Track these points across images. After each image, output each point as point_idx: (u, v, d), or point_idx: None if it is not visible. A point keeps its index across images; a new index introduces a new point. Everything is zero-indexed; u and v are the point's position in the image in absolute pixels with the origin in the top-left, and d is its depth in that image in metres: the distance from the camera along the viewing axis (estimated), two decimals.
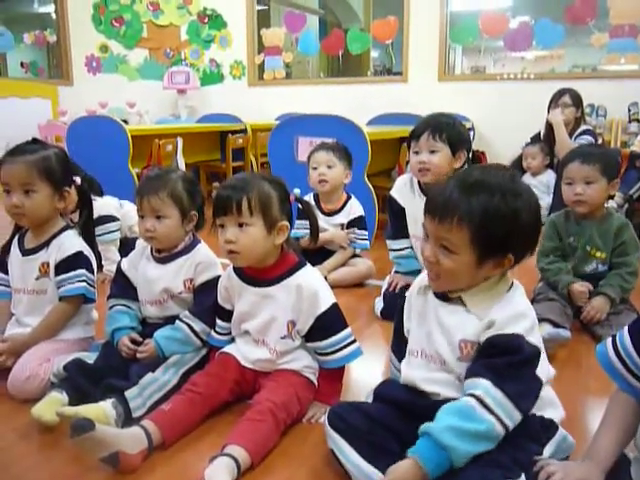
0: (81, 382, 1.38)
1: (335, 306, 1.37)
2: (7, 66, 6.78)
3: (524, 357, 1.01)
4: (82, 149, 3.63)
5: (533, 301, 1.94)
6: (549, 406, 1.10)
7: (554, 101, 3.82)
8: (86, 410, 1.22)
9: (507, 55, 5.46)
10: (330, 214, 2.52)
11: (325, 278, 2.30)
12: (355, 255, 2.51)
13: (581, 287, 1.89)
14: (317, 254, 2.48)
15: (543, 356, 1.08)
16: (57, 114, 5.58)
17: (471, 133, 5.22)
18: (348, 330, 1.38)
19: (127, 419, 1.29)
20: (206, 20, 6.43)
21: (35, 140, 1.63)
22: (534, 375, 1.03)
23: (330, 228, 2.48)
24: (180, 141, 3.92)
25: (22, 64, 6.25)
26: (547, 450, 1.03)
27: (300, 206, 1.57)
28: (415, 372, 1.13)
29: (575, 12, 4.96)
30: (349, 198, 2.55)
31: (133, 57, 6.32)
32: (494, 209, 1.01)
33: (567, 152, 2.13)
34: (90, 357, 1.48)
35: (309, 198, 2.59)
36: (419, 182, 2.03)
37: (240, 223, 1.30)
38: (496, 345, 1.02)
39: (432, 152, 1.93)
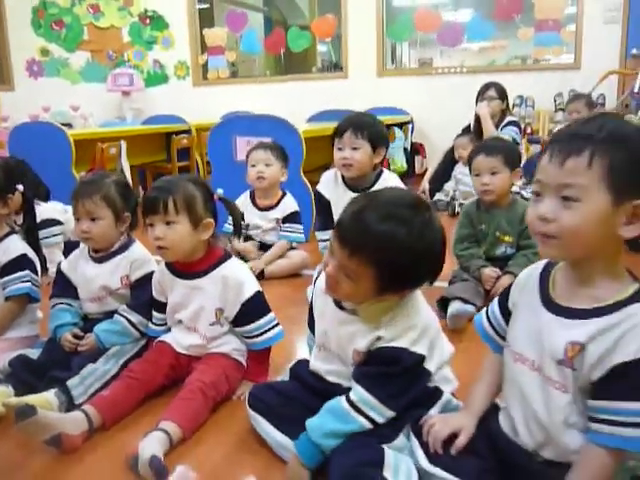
0: (25, 376, 1.49)
1: (259, 293, 1.52)
2: None
3: (401, 367, 1.11)
4: (25, 155, 3.63)
5: (450, 283, 2.13)
6: (442, 382, 1.23)
7: (481, 94, 4.06)
8: (30, 399, 1.33)
9: (452, 48, 5.65)
10: (265, 209, 2.66)
11: (263, 270, 2.48)
12: (292, 247, 2.66)
13: (491, 272, 2.08)
14: (259, 248, 2.64)
15: (441, 341, 1.22)
16: None
17: (410, 126, 5.44)
18: (271, 315, 1.53)
19: (70, 407, 1.40)
20: (148, 21, 6.46)
21: None
22: (410, 380, 1.14)
23: (266, 223, 2.63)
24: (124, 144, 3.98)
25: None
26: (433, 412, 1.18)
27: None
28: (319, 364, 1.28)
29: (503, 8, 5.23)
30: (284, 195, 2.70)
31: (75, 60, 6.30)
32: (400, 253, 1.04)
33: (474, 146, 2.33)
34: (34, 353, 1.59)
35: (246, 195, 2.73)
36: (343, 176, 2.19)
37: (167, 221, 1.43)
38: (378, 356, 1.13)
39: (354, 149, 2.09)
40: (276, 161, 2.61)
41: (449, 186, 4.13)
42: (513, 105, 4.94)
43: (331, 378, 1.25)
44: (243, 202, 2.70)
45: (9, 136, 3.94)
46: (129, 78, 6.18)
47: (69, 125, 5.53)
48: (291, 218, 2.62)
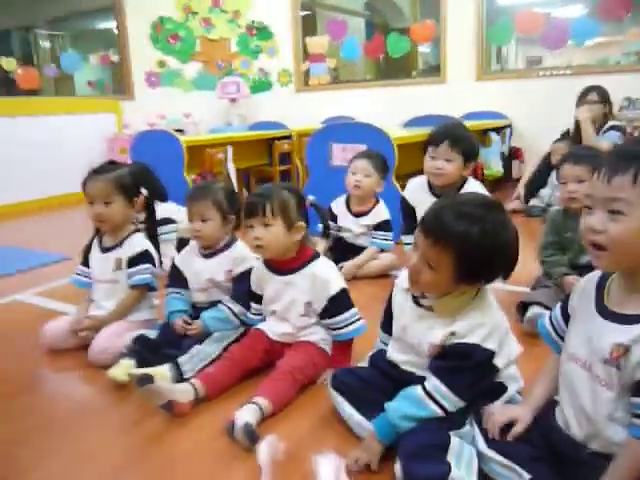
0: (144, 352, 1.76)
1: (344, 290, 1.69)
2: (74, 85, 7.43)
3: (473, 362, 1.24)
4: (144, 159, 4.05)
5: (532, 288, 2.19)
6: (509, 380, 1.34)
7: (581, 98, 3.98)
8: (149, 371, 1.58)
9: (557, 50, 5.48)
10: (358, 215, 2.82)
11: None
12: (382, 250, 2.80)
13: (572, 280, 2.11)
14: (350, 250, 2.79)
15: (510, 340, 1.33)
16: (121, 127, 6.11)
17: (508, 130, 5.39)
18: (354, 309, 1.69)
19: (180, 380, 1.65)
20: (254, 32, 6.83)
21: (112, 162, 2.04)
22: (481, 374, 1.26)
23: (358, 228, 2.79)
24: (230, 149, 4.31)
25: (89, 83, 6.84)
26: (496, 404, 1.30)
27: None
28: (396, 354, 1.42)
29: (611, 5, 5.03)
30: (377, 202, 2.83)
31: (188, 70, 6.80)
32: (481, 244, 1.18)
33: (563, 154, 2.36)
34: (152, 334, 1.86)
35: (342, 199, 2.90)
36: (429, 183, 2.30)
37: (265, 224, 1.64)
38: (453, 352, 1.26)
39: (448, 160, 2.20)
40: (375, 172, 2.74)
41: (545, 192, 4.09)
42: (620, 107, 4.78)
43: (406, 367, 1.39)
44: (338, 206, 2.88)
45: (132, 143, 4.40)
46: (236, 86, 6.57)
47: (181, 131, 6.01)
48: (382, 226, 2.76)
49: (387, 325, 1.50)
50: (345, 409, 1.43)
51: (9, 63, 5.57)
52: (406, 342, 1.39)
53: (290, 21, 6.69)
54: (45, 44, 8.71)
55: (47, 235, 4.22)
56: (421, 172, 2.36)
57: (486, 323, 1.26)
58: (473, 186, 2.24)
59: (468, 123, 4.39)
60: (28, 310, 2.53)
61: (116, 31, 6.61)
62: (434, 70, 6.17)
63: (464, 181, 2.26)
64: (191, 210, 1.86)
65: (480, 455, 1.19)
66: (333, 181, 3.03)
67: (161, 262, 2.70)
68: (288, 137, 5.26)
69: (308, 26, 7.01)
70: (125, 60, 6.48)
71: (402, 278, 1.41)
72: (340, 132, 3.52)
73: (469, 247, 1.18)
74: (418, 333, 1.34)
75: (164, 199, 2.75)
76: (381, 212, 2.80)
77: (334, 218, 2.82)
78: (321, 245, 2.67)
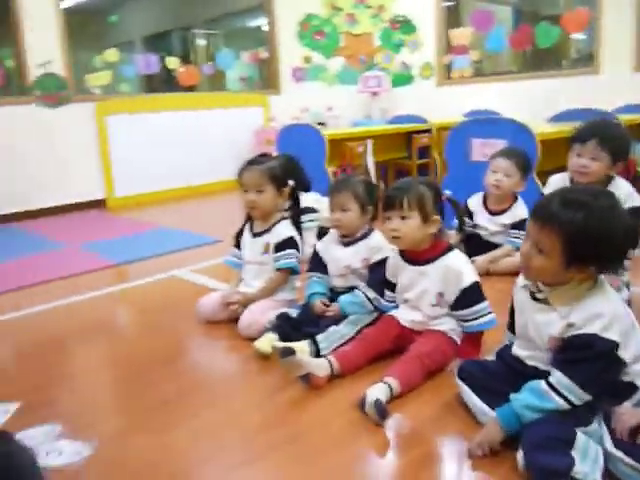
0: (286, 328, 1.94)
1: (476, 283, 1.73)
2: (225, 81, 7.98)
3: (594, 352, 1.24)
4: (288, 150, 4.32)
5: None
6: (637, 377, 1.32)
7: None
8: (291, 345, 1.75)
9: None
10: (495, 214, 2.79)
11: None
12: (518, 249, 2.76)
13: None
14: (485, 247, 2.78)
15: (638, 333, 1.31)
16: (268, 120, 6.49)
17: None
18: (486, 303, 1.73)
19: (317, 356, 1.80)
20: (397, 26, 6.89)
21: (264, 154, 2.25)
22: (605, 365, 1.25)
23: (493, 227, 2.77)
24: (370, 143, 4.44)
25: (241, 78, 7.30)
26: (626, 404, 1.29)
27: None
28: (520, 351, 1.46)
29: None
30: (515, 200, 2.76)
31: (332, 65, 7.03)
32: (587, 228, 1.22)
33: None
34: (293, 312, 2.04)
35: (479, 197, 2.89)
36: (572, 180, 2.25)
37: (402, 216, 1.73)
38: (573, 343, 1.28)
39: (593, 159, 2.12)
40: (516, 172, 2.67)
41: None
42: None
43: (530, 362, 1.42)
44: (475, 203, 2.86)
45: (278, 135, 4.68)
46: (378, 80, 6.68)
47: (323, 124, 6.25)
48: (519, 225, 2.68)
49: (512, 325, 1.54)
50: (470, 397, 1.49)
51: (172, 62, 6.12)
52: (528, 338, 1.42)
53: (434, 13, 6.67)
54: (201, 43, 9.42)
55: (200, 219, 4.64)
56: (564, 169, 2.30)
57: (604, 313, 1.26)
58: (619, 185, 2.15)
59: (623, 117, 4.14)
60: (184, 285, 2.85)
61: (266, 29, 7.00)
62: (587, 59, 5.83)
63: (609, 180, 2.18)
64: (332, 201, 2.00)
65: (607, 455, 1.20)
66: (471, 176, 3.03)
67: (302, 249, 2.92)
68: (427, 131, 5.27)
69: (452, 17, 6.94)
70: (274, 56, 6.84)
71: (521, 278, 1.46)
72: (481, 127, 3.50)
73: (574, 231, 1.23)
74: (538, 327, 1.37)
75: (308, 189, 2.93)
76: (519, 211, 2.74)
77: (470, 215, 2.83)
78: (455, 239, 2.71)
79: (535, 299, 1.39)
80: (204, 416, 1.60)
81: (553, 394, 1.28)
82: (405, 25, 6.86)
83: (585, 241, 1.23)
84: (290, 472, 1.33)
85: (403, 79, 6.96)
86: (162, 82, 7.95)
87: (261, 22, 8.54)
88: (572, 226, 1.23)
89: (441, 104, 6.49)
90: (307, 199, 2.90)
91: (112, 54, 5.56)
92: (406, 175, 5.25)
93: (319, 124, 5.45)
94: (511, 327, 1.56)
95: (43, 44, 4.99)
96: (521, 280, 1.45)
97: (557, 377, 1.28)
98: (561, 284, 1.32)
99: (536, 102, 5.68)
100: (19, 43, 4.89)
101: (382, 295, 1.95)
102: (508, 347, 1.54)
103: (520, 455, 1.23)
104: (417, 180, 1.81)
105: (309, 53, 6.97)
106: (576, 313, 1.28)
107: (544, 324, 1.35)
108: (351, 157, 4.34)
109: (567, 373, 1.27)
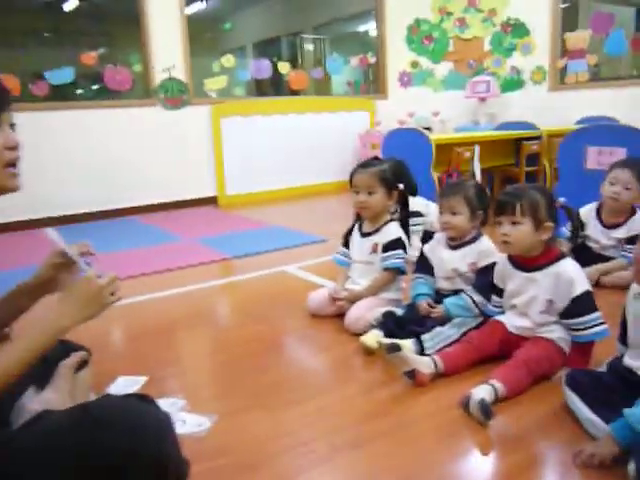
0: (391, 326, 2.00)
1: (588, 292, 1.71)
2: (331, 85, 8.16)
3: None
4: (394, 155, 4.37)
5: None
6: None
7: None
8: (397, 342, 1.81)
9: None
10: (609, 227, 2.67)
11: (598, 278, 2.55)
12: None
13: None
14: (596, 259, 2.69)
15: None
16: (373, 124, 6.57)
17: None
18: (598, 313, 1.70)
19: (421, 354, 1.85)
20: (509, 29, 6.74)
21: (376, 157, 2.33)
22: None
23: (606, 240, 2.67)
24: (477, 149, 4.39)
25: (349, 83, 7.44)
26: None
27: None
28: (631, 362, 1.43)
29: None
30: (633, 213, 2.62)
31: (439, 70, 6.99)
32: None
33: None
34: (399, 311, 2.10)
35: (592, 207, 2.79)
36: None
37: (513, 221, 1.74)
38: None
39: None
40: (637, 184, 2.55)
41: None
42: None
43: None
44: (588, 213, 2.75)
45: (384, 139, 4.75)
46: (486, 85, 6.56)
47: (429, 129, 6.23)
48: (636, 240, 2.58)
49: (623, 336, 1.51)
50: (579, 407, 1.47)
51: (284, 67, 6.37)
52: None
53: (549, 15, 6.45)
54: (309, 47, 9.67)
55: (306, 219, 4.80)
56: None
57: None
58: None
59: None
60: (292, 280, 2.99)
61: (373, 34, 7.09)
62: None
63: None
64: (443, 203, 2.04)
65: None
66: (585, 185, 2.94)
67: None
68: (537, 137, 5.12)
69: (568, 20, 6.67)
70: (382, 61, 6.92)
71: (634, 286, 1.44)
72: (597, 134, 3.37)
73: None
74: None
75: (415, 194, 2.98)
76: (637, 225, 2.60)
77: (582, 226, 2.74)
78: (565, 247, 2.64)
79: None
80: (314, 400, 1.70)
81: None
82: (518, 28, 6.69)
83: None
84: (393, 458, 1.40)
85: (513, 84, 6.79)
86: (270, 86, 8.28)
87: (368, 27, 8.66)
88: None
89: (553, 110, 6.26)
90: (414, 203, 2.94)
91: (228, 60, 5.87)
92: (513, 183, 5.13)
93: (425, 129, 5.46)
94: (622, 338, 1.54)
95: (167, 50, 5.37)
96: (635, 288, 1.42)
97: None
98: None
99: None
100: (146, 49, 5.30)
101: (489, 300, 1.96)
102: (619, 359, 1.51)
103: (631, 467, 1.22)
104: (531, 186, 1.81)
105: (417, 58, 6.98)
106: None
107: None
108: (457, 162, 4.32)
109: None
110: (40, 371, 1.58)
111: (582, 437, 1.42)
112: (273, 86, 8.38)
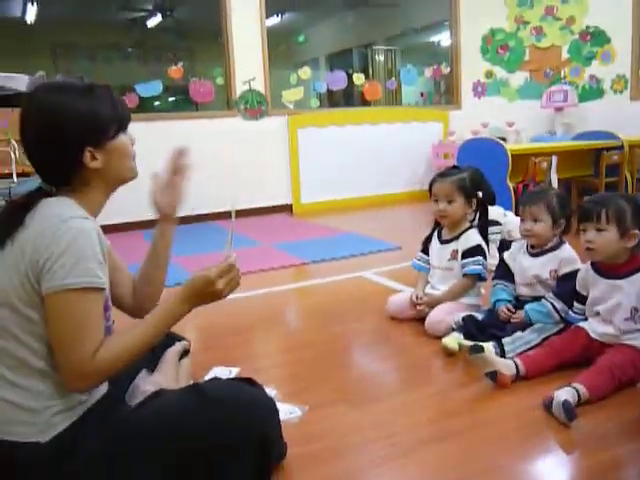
0: (472, 329, 2.06)
1: None
2: (402, 95, 8.22)
3: None
4: (469, 164, 4.40)
5: None
6: None
7: None
8: (480, 343, 1.87)
9: None
10: None
11: None
12: None
13: None
14: None
15: None
16: (446, 134, 6.59)
17: None
18: None
19: (502, 357, 1.89)
20: (588, 37, 6.60)
21: (455, 167, 2.39)
22: None
23: None
24: (555, 159, 4.35)
25: (422, 94, 7.50)
26: None
27: None
28: None
29: None
30: None
31: (514, 80, 6.93)
32: None
33: None
34: (478, 316, 2.15)
35: None
36: None
37: (598, 228, 1.77)
38: None
39: None
40: None
41: None
42: None
43: None
44: None
45: (458, 149, 4.78)
46: (564, 94, 6.45)
47: (503, 139, 6.17)
48: None
49: None
50: None
51: (358, 78, 6.49)
52: None
53: (632, 22, 6.27)
54: (380, 59, 9.77)
55: (381, 227, 4.88)
56: None
57: None
58: None
59: None
60: (370, 285, 3.08)
61: (444, 44, 7.11)
62: None
63: None
64: (525, 211, 2.08)
65: None
66: None
67: None
68: (618, 148, 5.00)
69: None
70: (455, 71, 6.93)
71: None
72: None
73: None
74: None
75: (493, 202, 3.01)
76: None
77: None
78: None
79: None
80: (397, 397, 1.79)
81: None
82: (597, 36, 6.54)
83: None
84: (475, 453, 1.46)
85: (592, 93, 6.64)
86: (343, 97, 8.43)
87: (440, 37, 8.68)
88: None
89: (635, 120, 6.07)
90: (492, 212, 2.98)
91: (305, 72, 6.06)
92: (592, 194, 5.03)
93: (499, 139, 5.43)
94: None
95: (248, 63, 5.61)
96: None
97: None
98: None
99: None
100: (228, 62, 5.56)
101: (570, 307, 1.98)
102: None
103: None
104: (617, 194, 1.84)
105: (491, 67, 6.95)
106: None
107: None
108: (534, 172, 4.30)
109: None
110: (149, 357, 1.75)
111: None
112: (345, 97, 8.55)
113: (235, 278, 1.29)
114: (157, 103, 6.35)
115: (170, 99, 7.25)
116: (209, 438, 1.18)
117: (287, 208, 5.91)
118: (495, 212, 3.06)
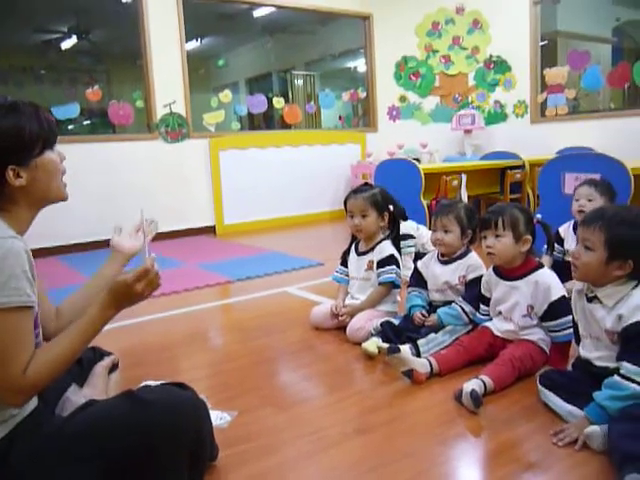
0: (389, 333, 2.20)
1: (564, 297, 1.93)
2: (322, 118, 8.47)
3: None
4: (386, 183, 4.62)
5: None
6: None
7: None
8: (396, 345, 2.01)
9: None
10: None
11: None
12: None
13: None
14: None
15: None
16: (364, 155, 6.86)
17: None
18: (571, 316, 1.91)
19: (417, 357, 2.04)
20: (492, 66, 7.12)
21: (366, 183, 2.56)
22: None
23: None
24: (464, 177, 4.66)
25: (340, 117, 7.77)
26: None
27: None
28: (589, 353, 1.65)
29: None
30: None
31: (426, 104, 7.33)
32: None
33: None
34: (395, 321, 2.30)
35: (569, 224, 3.05)
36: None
37: (496, 235, 1.97)
38: (626, 334, 1.50)
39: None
40: (600, 197, 2.82)
41: None
42: None
43: (600, 363, 1.62)
44: (566, 230, 3.00)
45: (375, 169, 5.01)
46: (471, 118, 6.90)
47: (418, 160, 6.51)
48: None
49: (576, 334, 1.76)
50: (554, 401, 1.67)
51: (278, 102, 6.67)
52: (592, 338, 1.64)
53: (529, 53, 6.83)
54: (299, 83, 10.03)
55: (302, 245, 5.01)
56: None
57: None
58: None
59: None
60: (294, 299, 3.19)
61: (360, 70, 7.43)
62: None
63: None
64: (436, 222, 2.27)
65: None
66: (564, 209, 3.18)
67: None
68: (520, 167, 5.41)
69: (548, 56, 7.06)
70: (371, 96, 7.25)
71: (576, 284, 1.72)
72: (573, 162, 3.65)
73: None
74: (595, 324, 1.60)
75: (404, 218, 3.21)
76: None
77: (560, 241, 2.98)
78: (546, 262, 2.87)
79: (589, 300, 1.63)
80: (322, 398, 1.90)
81: (627, 382, 1.46)
82: (500, 65, 7.07)
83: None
84: (395, 441, 1.59)
85: (497, 117, 7.13)
86: (263, 120, 8.58)
87: (357, 63, 9.04)
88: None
89: (535, 141, 6.58)
90: (405, 226, 3.18)
91: (226, 95, 6.16)
92: None
93: (414, 160, 5.73)
94: (576, 336, 1.78)
95: (168, 86, 5.64)
96: (577, 285, 1.71)
97: (625, 366, 1.48)
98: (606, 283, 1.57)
99: (636, 141, 5.67)
100: (148, 85, 5.56)
101: (477, 309, 2.17)
102: (580, 357, 1.73)
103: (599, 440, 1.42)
104: (511, 205, 2.05)
105: (405, 93, 7.32)
106: (622, 307, 1.53)
107: (600, 321, 1.58)
108: (445, 190, 4.58)
109: (631, 361, 1.47)
110: (78, 371, 1.77)
111: (559, 423, 1.62)
112: (265, 120, 8.69)
113: (154, 279, 1.33)
114: (71, 127, 6.20)
115: (86, 122, 7.12)
116: (142, 439, 1.20)
117: (210, 230, 5.94)
118: (408, 226, 3.26)
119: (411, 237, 3.25)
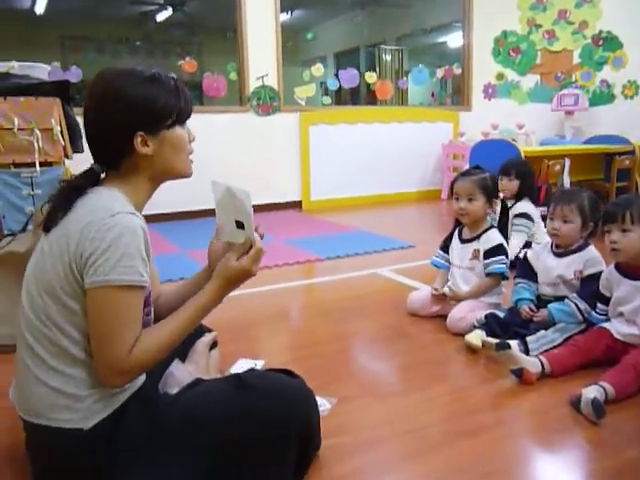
0: (494, 327, 2.08)
1: None
2: (409, 95, 8.23)
3: None
4: (481, 165, 4.42)
5: None
6: None
7: None
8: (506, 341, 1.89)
9: None
10: None
11: None
12: None
13: None
14: None
15: None
16: (457, 135, 6.60)
17: None
18: None
19: (526, 355, 1.91)
20: (600, 42, 6.63)
21: (477, 166, 2.41)
22: None
23: None
24: (568, 162, 4.37)
25: (432, 94, 7.51)
26: None
27: None
28: None
29: None
30: None
31: (525, 82, 6.94)
32: None
33: None
34: (500, 314, 2.17)
35: None
36: None
37: (623, 229, 1.79)
38: None
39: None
40: None
41: None
42: None
43: None
44: None
45: (471, 149, 4.79)
46: (574, 98, 6.47)
47: (514, 141, 6.20)
48: None
49: None
50: None
51: (370, 77, 6.51)
52: None
53: None
54: (387, 58, 9.78)
55: (391, 225, 4.88)
56: None
57: None
58: None
59: None
60: (385, 282, 3.10)
61: (453, 46, 7.11)
62: None
63: None
64: (556, 210, 2.09)
65: None
66: None
67: None
68: (630, 152, 5.02)
69: None
70: (467, 73, 6.95)
71: None
72: None
73: None
74: None
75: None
76: None
77: None
78: None
79: None
80: (421, 392, 1.81)
81: None
82: (610, 41, 6.57)
83: None
84: (503, 448, 1.48)
85: (602, 98, 6.66)
86: (350, 95, 8.44)
87: (448, 38, 8.69)
88: None
89: None
90: (529, 208, 3.03)
91: (318, 68, 6.07)
92: (603, 198, 5.05)
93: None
94: None
95: (261, 59, 5.61)
96: None
97: None
98: None
99: None
100: (242, 57, 5.56)
101: (593, 307, 2.00)
102: None
103: None
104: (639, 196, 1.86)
105: (503, 70, 6.96)
106: None
107: None
108: (546, 175, 4.32)
109: None
110: (179, 348, 1.77)
111: None
112: (352, 96, 8.56)
113: (261, 257, 1.32)
114: None
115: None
116: (253, 429, 1.18)
117: (297, 205, 5.93)
118: (532, 210, 3.12)
119: (527, 217, 3.09)
